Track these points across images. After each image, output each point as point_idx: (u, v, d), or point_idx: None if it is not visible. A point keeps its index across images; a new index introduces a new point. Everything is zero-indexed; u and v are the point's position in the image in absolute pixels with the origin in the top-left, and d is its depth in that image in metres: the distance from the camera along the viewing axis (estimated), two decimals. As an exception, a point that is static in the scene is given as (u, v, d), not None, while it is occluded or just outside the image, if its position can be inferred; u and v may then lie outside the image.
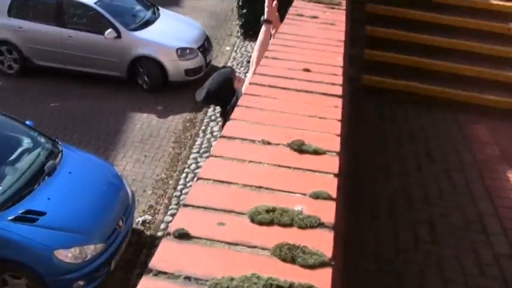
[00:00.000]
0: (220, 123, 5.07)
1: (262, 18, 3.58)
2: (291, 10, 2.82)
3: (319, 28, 2.55)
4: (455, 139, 5.41)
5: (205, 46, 10.70)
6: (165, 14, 11.44)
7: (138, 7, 11.36)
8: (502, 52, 6.49)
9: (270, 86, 1.85)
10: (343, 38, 2.37)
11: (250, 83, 1.91)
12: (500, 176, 4.76)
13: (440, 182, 4.65)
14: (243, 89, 3.88)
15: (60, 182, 6.08)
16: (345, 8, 3.04)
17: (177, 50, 10.16)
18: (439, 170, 4.76)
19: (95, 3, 10.34)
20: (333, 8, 2.98)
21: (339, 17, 2.79)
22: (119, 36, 10.09)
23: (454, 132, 5.53)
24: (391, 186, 4.56)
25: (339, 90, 1.83)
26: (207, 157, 1.56)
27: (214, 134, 8.75)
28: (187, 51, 10.24)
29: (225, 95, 3.93)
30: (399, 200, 4.39)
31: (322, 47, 2.26)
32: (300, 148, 1.59)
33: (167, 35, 10.52)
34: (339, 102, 1.76)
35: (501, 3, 6.97)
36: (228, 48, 12.04)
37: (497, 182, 4.63)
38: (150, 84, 10.21)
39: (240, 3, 12.09)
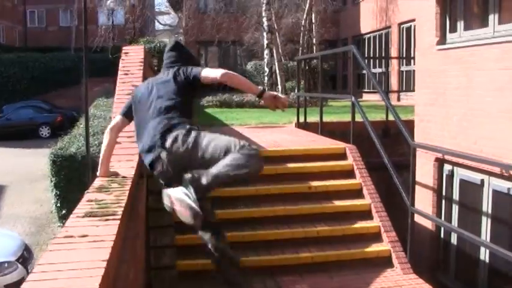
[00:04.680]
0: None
1: None
2: (61, 232, 2.77)
3: (85, 249, 2.50)
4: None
5: (25, 256, 10.17)
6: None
7: None
8: (308, 210, 6.86)
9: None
10: (107, 257, 2.34)
11: None
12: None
13: None
14: None
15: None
16: (120, 216, 3.04)
17: (-6, 266, 9.57)
18: None
19: None
20: (107, 220, 2.97)
21: (111, 229, 2.78)
22: None
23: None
24: None
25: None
26: None
27: None
28: (5, 265, 9.66)
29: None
30: None
31: (81, 273, 2.20)
32: None
33: (-19, 251, 9.93)
34: None
35: (298, 165, 7.48)
36: (52, 251, 11.55)
37: None
38: (-35, 310, 9.41)
39: (58, 205, 11.87)
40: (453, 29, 8.71)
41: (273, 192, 7.02)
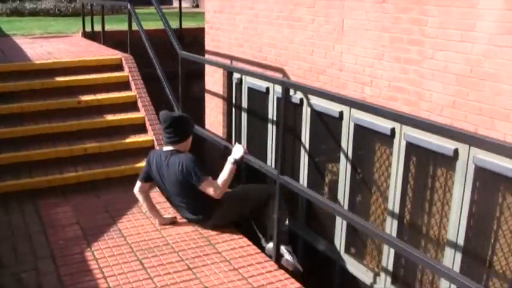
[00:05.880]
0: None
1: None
2: None
3: None
4: (33, 231, 5.04)
5: None
6: None
7: None
8: (76, 126, 6.47)
9: None
10: None
11: None
12: (76, 259, 4.54)
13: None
14: None
15: None
16: None
17: None
18: (6, 277, 4.32)
19: None
20: None
21: None
22: None
23: (34, 225, 5.17)
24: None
25: None
26: None
27: None
28: None
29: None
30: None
31: None
32: None
33: None
34: None
35: (69, 78, 7.00)
36: None
37: (71, 268, 4.39)
38: None
39: None
40: None
41: (39, 109, 6.53)
